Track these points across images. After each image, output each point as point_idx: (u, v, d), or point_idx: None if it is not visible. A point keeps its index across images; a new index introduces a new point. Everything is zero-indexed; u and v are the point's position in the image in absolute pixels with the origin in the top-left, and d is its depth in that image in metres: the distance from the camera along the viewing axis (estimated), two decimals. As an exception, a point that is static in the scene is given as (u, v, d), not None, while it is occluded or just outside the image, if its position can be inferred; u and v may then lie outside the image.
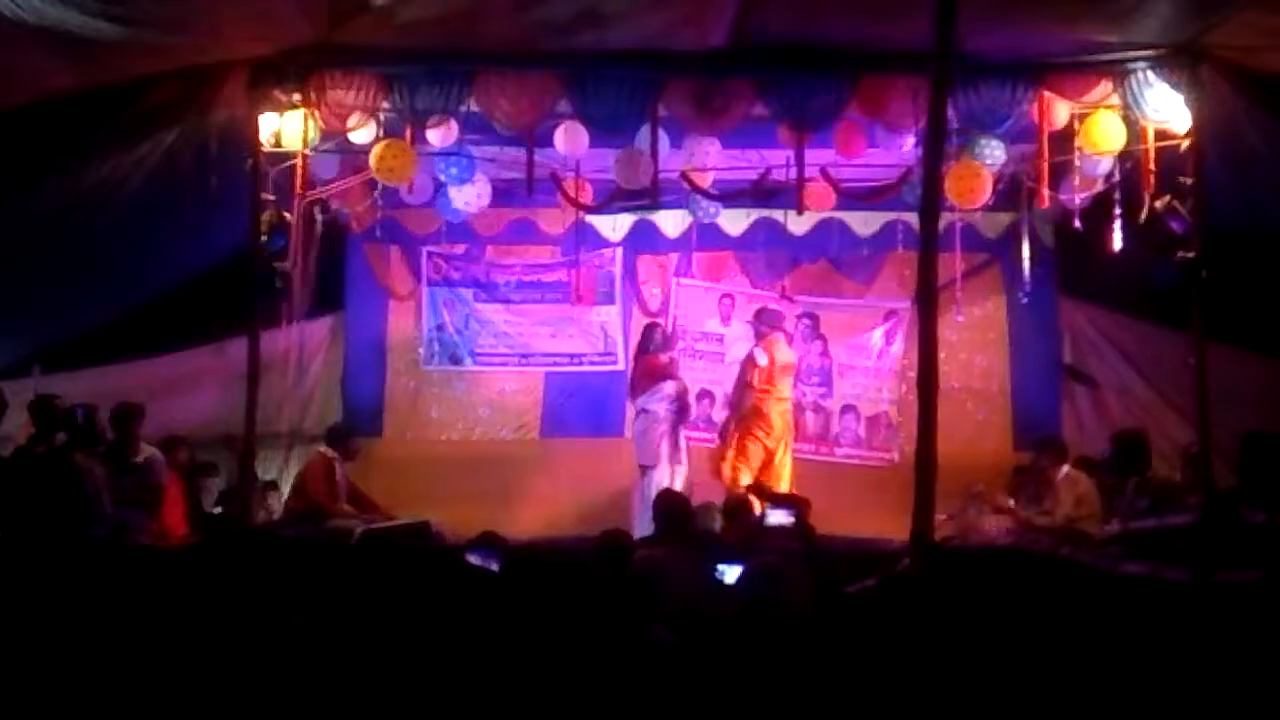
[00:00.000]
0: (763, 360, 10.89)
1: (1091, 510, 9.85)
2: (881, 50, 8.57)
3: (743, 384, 11.01)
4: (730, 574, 6.89)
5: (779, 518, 8.30)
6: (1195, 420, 8.76)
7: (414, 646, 4.04)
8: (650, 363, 11.17)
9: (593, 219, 11.72)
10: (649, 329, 11.58)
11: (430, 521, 9.88)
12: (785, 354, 11.18)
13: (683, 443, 11.01)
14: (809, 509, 9.22)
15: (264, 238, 9.14)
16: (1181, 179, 8.83)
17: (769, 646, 4.25)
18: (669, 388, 11.01)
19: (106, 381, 10.03)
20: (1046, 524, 9.77)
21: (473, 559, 5.89)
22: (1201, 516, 7.57)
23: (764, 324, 11.18)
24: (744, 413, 10.88)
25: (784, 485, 10.75)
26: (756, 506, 9.06)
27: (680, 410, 11.06)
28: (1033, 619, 4.02)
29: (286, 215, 9.36)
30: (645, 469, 10.79)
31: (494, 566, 5.62)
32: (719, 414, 11.97)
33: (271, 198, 9.23)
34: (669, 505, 7.82)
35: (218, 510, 9.96)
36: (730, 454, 10.85)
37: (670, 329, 11.94)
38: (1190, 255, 8.71)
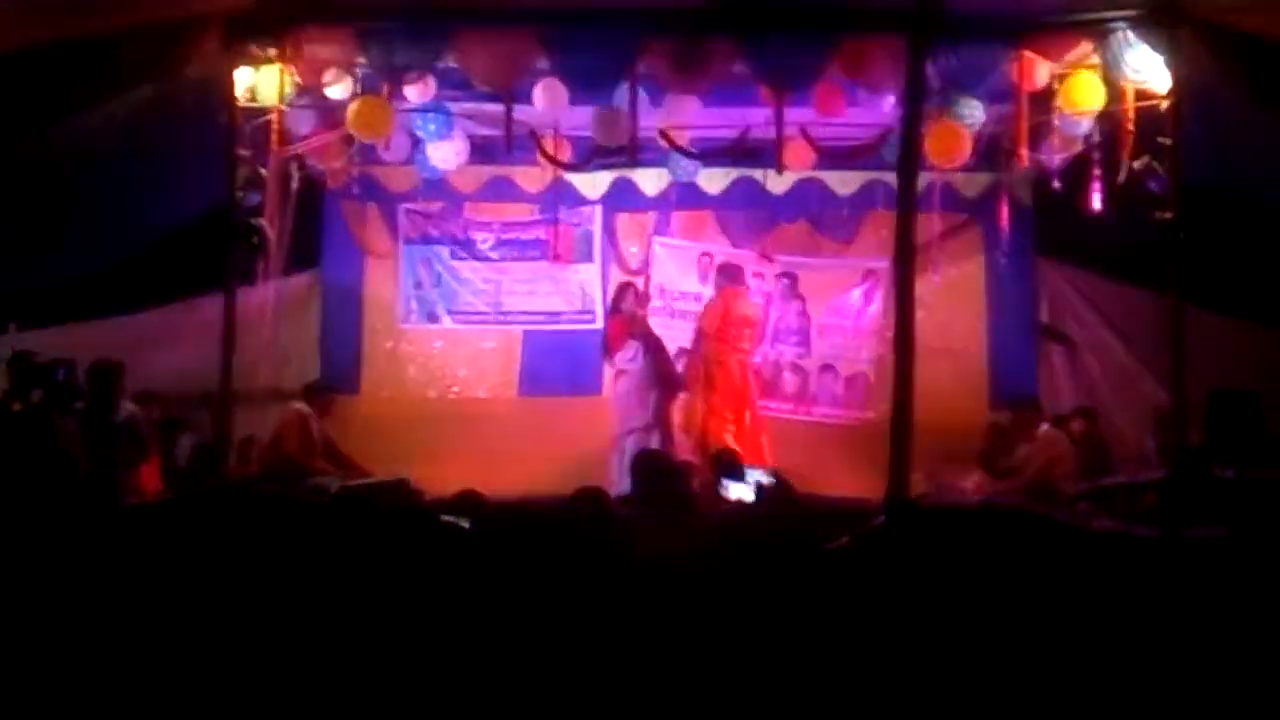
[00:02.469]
0: (716, 306, 10.95)
1: (1067, 470, 9.95)
2: (862, 9, 8.56)
3: (697, 332, 11.11)
4: (735, 490, 7.01)
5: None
6: (1169, 380, 8.84)
7: (389, 602, 4.07)
8: (620, 323, 11.18)
9: (571, 177, 11.70)
10: (621, 289, 11.58)
11: (408, 479, 9.89)
12: (744, 307, 11.24)
13: (661, 403, 11.00)
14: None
15: (240, 194, 9.11)
16: (1160, 140, 8.86)
17: (742, 601, 4.29)
18: (641, 347, 10.99)
19: (82, 338, 9.98)
20: (1020, 482, 9.87)
21: (449, 518, 5.91)
22: (1171, 473, 7.65)
23: (723, 278, 11.27)
24: (701, 361, 10.92)
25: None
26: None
27: (659, 369, 11.03)
28: (1006, 574, 4.07)
29: (262, 171, 9.33)
30: (630, 431, 10.78)
31: (466, 524, 5.64)
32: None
33: (247, 153, 9.19)
34: (647, 464, 7.84)
35: (191, 466, 9.96)
36: (698, 407, 10.88)
37: (645, 288, 11.94)
38: (1168, 216, 8.75)
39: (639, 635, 4.03)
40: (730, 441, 10.39)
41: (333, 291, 12.49)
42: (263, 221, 9.41)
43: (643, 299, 11.47)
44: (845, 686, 3.99)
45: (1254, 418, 6.83)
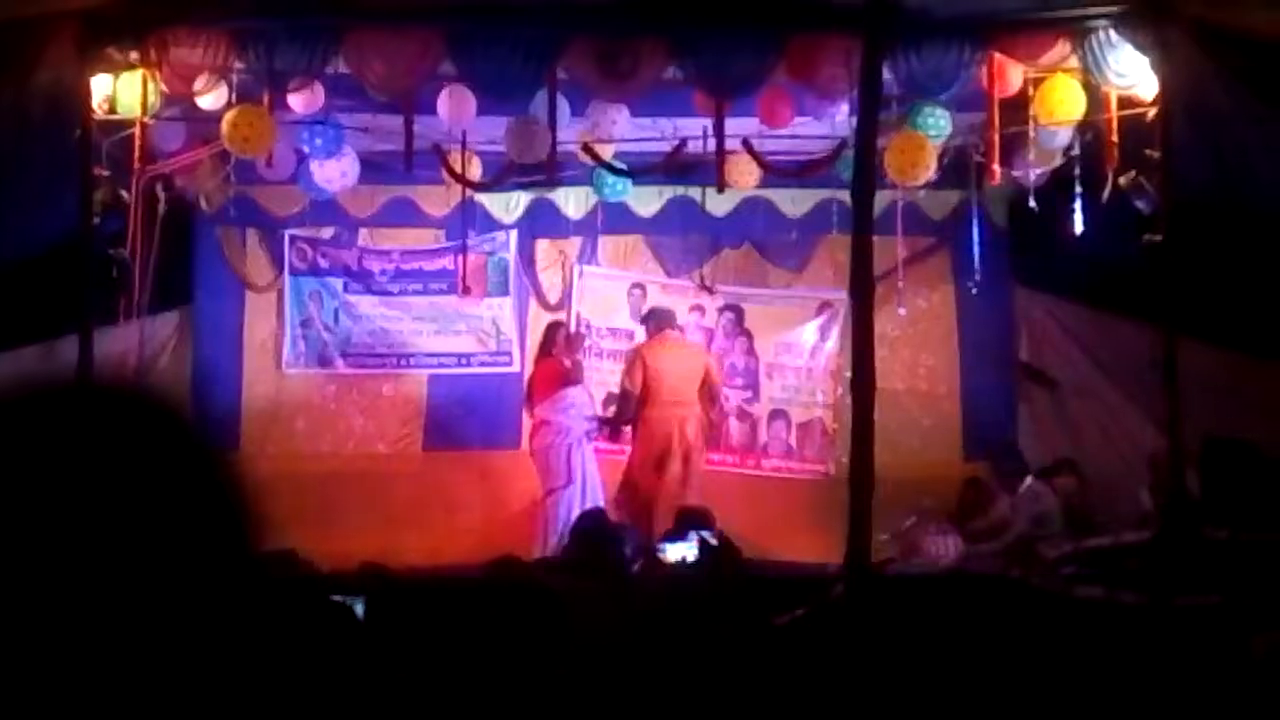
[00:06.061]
0: (645, 353, 10.95)
1: (1052, 529, 10.02)
2: (811, 5, 8.65)
3: (620, 391, 11.07)
4: (673, 551, 7.04)
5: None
6: (1164, 424, 8.93)
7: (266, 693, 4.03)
8: (551, 367, 11.18)
9: (482, 198, 11.74)
10: (551, 328, 11.61)
11: (295, 549, 9.81)
12: (676, 356, 11.21)
13: (592, 457, 11.02)
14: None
15: (96, 220, 9.04)
16: (1148, 152, 8.99)
17: (684, 686, 4.30)
18: (574, 396, 11.00)
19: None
20: (999, 544, 9.95)
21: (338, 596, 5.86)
22: (1159, 534, 7.74)
23: (652, 323, 11.23)
24: (626, 423, 10.90)
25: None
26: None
27: (592, 422, 11.07)
28: (979, 650, 4.10)
29: (123, 194, 9.27)
30: (552, 489, 10.76)
31: (359, 605, 5.61)
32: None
33: (105, 173, 9.13)
34: (590, 529, 7.90)
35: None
36: (629, 462, 10.88)
37: (575, 328, 11.96)
38: (1158, 239, 8.87)
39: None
40: (665, 500, 10.41)
41: (206, 331, 12.41)
42: (124, 251, 9.35)
43: (575, 341, 11.50)
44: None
45: (1254, 469, 6.93)
